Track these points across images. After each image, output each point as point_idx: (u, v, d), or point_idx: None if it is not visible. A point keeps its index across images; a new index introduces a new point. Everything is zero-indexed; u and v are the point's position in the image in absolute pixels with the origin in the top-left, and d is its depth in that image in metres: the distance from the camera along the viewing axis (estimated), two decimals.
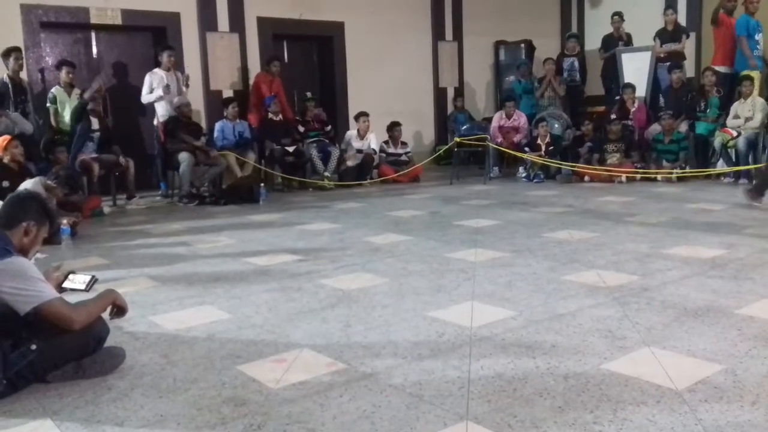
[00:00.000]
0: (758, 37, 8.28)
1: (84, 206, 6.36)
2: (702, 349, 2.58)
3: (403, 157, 9.23)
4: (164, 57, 7.94)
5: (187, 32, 8.53)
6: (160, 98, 7.83)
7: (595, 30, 11.30)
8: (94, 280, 2.71)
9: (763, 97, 7.89)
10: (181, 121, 7.81)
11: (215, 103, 8.64)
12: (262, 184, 7.60)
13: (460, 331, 2.89)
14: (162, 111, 7.90)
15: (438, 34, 10.79)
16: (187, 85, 8.08)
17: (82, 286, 2.68)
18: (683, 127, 8.19)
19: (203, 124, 8.53)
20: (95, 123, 7.19)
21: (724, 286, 3.42)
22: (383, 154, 9.17)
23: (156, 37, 8.55)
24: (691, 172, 7.74)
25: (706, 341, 2.66)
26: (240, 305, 3.42)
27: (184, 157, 7.48)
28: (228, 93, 8.80)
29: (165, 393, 2.37)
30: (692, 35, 10.10)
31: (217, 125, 8.18)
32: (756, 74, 8.15)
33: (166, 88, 7.83)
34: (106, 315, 2.62)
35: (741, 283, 3.46)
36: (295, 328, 3.03)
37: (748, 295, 3.25)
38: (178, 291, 3.75)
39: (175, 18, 8.43)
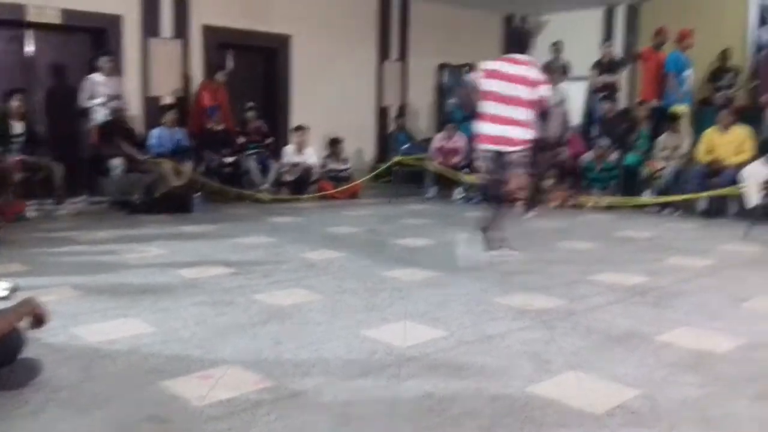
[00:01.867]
0: (687, 73, 8.68)
1: (5, 210, 6.10)
2: (623, 373, 2.66)
3: (343, 173, 9.24)
4: (103, 62, 7.73)
5: (128, 36, 8.33)
6: (100, 104, 7.62)
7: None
8: (14, 288, 2.60)
9: (691, 129, 8.26)
10: (117, 126, 7.60)
11: (154, 109, 8.45)
12: (197, 194, 7.46)
13: (391, 351, 2.90)
14: (100, 116, 7.69)
15: (383, 54, 10.90)
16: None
17: (2, 293, 2.57)
18: (614, 156, 8.49)
19: (139, 129, 8.33)
20: (19, 127, 6.92)
21: (645, 313, 3.55)
22: (323, 169, 9.16)
23: (95, 39, 8.32)
24: (619, 201, 8.02)
25: (626, 366, 2.75)
26: (167, 318, 3.34)
27: (117, 162, 7.28)
28: (168, 100, 8.63)
29: (83, 408, 2.28)
30: (626, 68, 10.54)
31: (155, 132, 8.00)
32: (684, 109, 8.54)
33: (109, 97, 7.64)
34: (24, 324, 2.51)
35: (661, 311, 3.60)
36: (224, 343, 2.97)
37: (667, 322, 3.38)
38: (102, 302, 3.63)
39: (116, 21, 8.23)
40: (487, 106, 4.58)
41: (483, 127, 4.66)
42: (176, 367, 2.68)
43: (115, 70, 7.94)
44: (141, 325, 3.24)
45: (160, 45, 8.53)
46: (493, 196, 4.80)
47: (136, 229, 6.14)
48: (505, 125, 4.51)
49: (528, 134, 4.55)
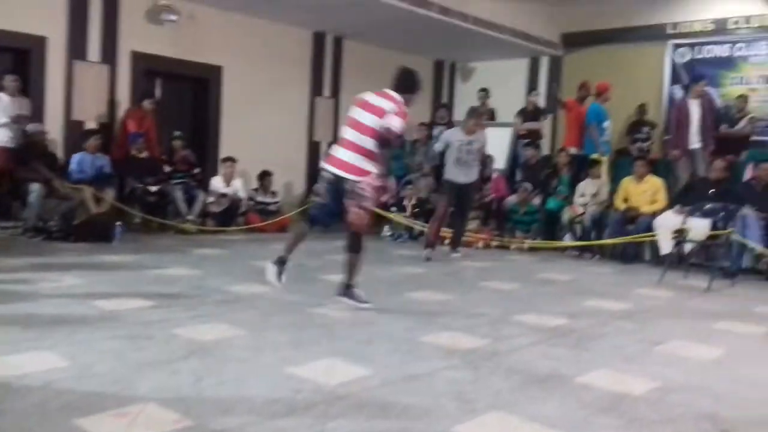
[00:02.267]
0: (606, 124, 9.13)
1: None
2: (544, 415, 2.70)
3: (272, 207, 9.17)
4: (7, 81, 7.43)
5: (52, 58, 8.08)
6: (2, 125, 7.30)
7: (464, 102, 11.98)
8: None
9: (609, 177, 8.66)
10: (35, 150, 7.31)
11: (76, 133, 8.18)
12: (118, 223, 7.22)
13: (317, 389, 2.86)
14: (3, 137, 7.35)
15: (316, 89, 10.97)
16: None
17: None
18: (537, 200, 8.78)
19: (60, 154, 8.03)
20: None
21: (565, 355, 3.64)
22: (251, 202, 9.07)
23: (18, 59, 8.04)
24: (541, 244, 8.28)
25: (548, 408, 2.80)
26: (82, 352, 3.19)
27: (35, 187, 6.98)
28: (91, 125, 8.38)
29: None
30: (549, 116, 11.01)
31: (75, 157, 7.73)
32: (604, 158, 8.95)
33: (14, 118, 7.33)
34: None
35: (580, 353, 3.70)
36: (142, 379, 2.86)
37: (586, 364, 3.47)
38: (12, 333, 3.43)
39: (41, 42, 7.99)
40: (343, 132, 4.52)
41: (332, 150, 4.60)
42: (91, 403, 2.55)
43: (21, 91, 7.64)
44: (54, 358, 3.08)
45: (86, 69, 8.32)
46: (318, 219, 4.63)
47: (52, 257, 5.88)
48: (349, 150, 4.38)
49: (370, 166, 4.36)
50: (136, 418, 2.43)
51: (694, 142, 8.29)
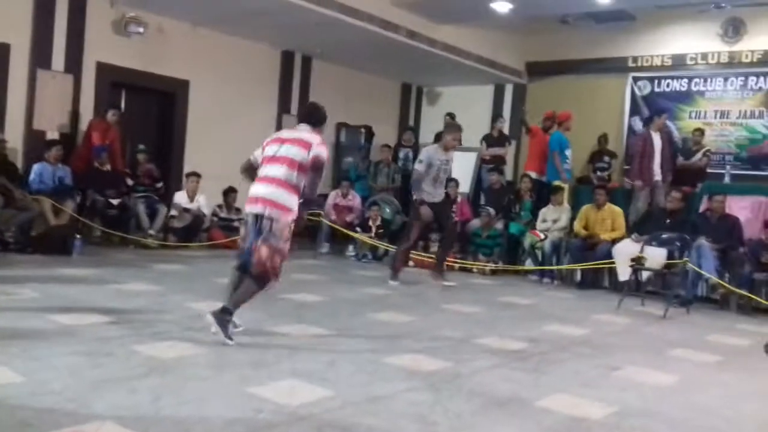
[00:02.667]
0: (568, 152, 9.33)
1: None
2: None
3: (236, 223, 9.08)
4: None
5: (15, 66, 7.94)
6: None
7: (430, 126, 12.13)
8: None
9: (570, 205, 8.83)
10: None
11: (37, 143, 8.03)
12: (78, 236, 7.08)
13: (278, 409, 2.85)
14: None
15: (284, 107, 10.97)
16: None
17: None
18: (499, 225, 8.89)
19: (20, 164, 7.87)
20: None
21: (525, 378, 3.69)
22: (215, 218, 8.98)
23: None
24: (502, 267, 8.37)
25: (507, 431, 2.83)
26: (38, 368, 3.12)
27: None
28: (53, 135, 8.23)
29: None
30: (513, 143, 11.21)
31: (36, 167, 7.58)
32: (565, 185, 9.13)
33: None
34: None
35: (540, 376, 3.76)
36: (99, 397, 2.80)
37: (546, 388, 3.52)
38: None
39: (4, 49, 7.85)
40: (262, 170, 4.22)
41: (250, 189, 4.27)
42: (46, 421, 2.50)
43: None
44: (9, 374, 3.00)
45: (50, 77, 8.19)
46: (249, 264, 4.17)
47: (7, 269, 5.74)
48: (267, 184, 4.10)
49: (291, 201, 4.09)
50: None
51: (657, 173, 8.51)
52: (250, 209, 4.18)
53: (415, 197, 7.02)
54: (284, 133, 4.42)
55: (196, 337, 3.95)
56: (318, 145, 4.16)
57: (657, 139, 8.58)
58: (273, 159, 4.17)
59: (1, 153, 7.34)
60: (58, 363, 3.23)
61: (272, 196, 4.07)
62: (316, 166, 4.14)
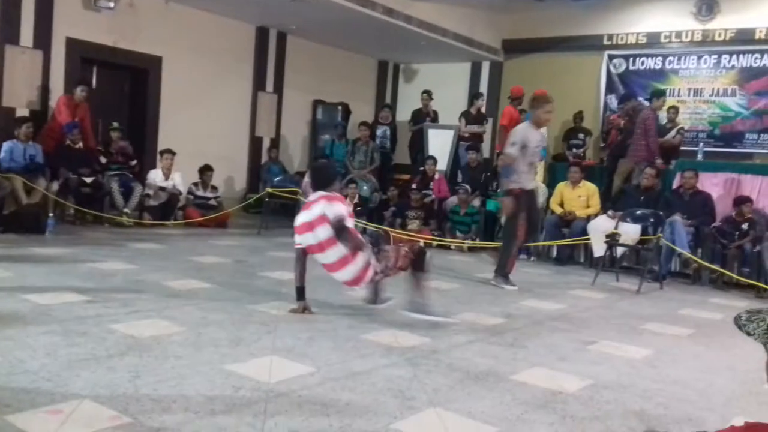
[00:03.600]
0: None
1: None
2: (481, 411, 2.77)
3: (212, 202, 9.02)
4: None
5: None
6: None
7: (407, 103, 12.11)
8: None
9: (545, 183, 8.88)
10: None
11: (6, 121, 7.87)
12: (51, 214, 6.98)
13: (257, 386, 2.85)
14: None
15: (259, 84, 10.87)
16: None
17: None
18: (477, 202, 8.93)
19: None
20: None
21: (502, 353, 3.73)
22: (191, 196, 8.90)
23: None
24: (480, 244, 8.42)
25: (484, 404, 2.87)
26: (12, 348, 3.08)
27: None
28: (23, 112, 8.07)
29: None
30: (490, 121, 11.22)
31: (5, 145, 7.43)
32: (540, 163, 9.16)
33: None
34: None
35: (517, 351, 3.80)
36: (76, 376, 2.78)
37: (522, 362, 3.57)
38: None
39: None
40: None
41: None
42: (22, 400, 2.47)
43: None
44: None
45: (18, 53, 8.00)
46: None
47: None
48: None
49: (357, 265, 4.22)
50: (70, 415, 2.37)
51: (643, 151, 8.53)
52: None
53: (505, 186, 6.01)
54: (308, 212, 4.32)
55: (174, 315, 3.93)
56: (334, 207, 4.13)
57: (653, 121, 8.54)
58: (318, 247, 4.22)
59: None
60: (33, 343, 3.19)
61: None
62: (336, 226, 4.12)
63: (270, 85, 11.04)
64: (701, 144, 9.64)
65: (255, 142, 10.96)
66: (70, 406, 2.46)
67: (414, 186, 9.16)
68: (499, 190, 6.08)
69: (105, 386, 2.69)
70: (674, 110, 9.71)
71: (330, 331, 3.90)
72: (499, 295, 5.56)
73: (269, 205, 9.17)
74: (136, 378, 2.82)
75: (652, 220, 6.78)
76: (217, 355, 3.25)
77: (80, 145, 7.99)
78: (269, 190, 9.01)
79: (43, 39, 8.21)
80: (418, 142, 10.65)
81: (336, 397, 2.80)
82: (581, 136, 10.57)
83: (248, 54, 10.72)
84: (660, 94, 8.86)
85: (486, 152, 10.96)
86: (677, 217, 7.00)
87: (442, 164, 10.06)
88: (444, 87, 11.69)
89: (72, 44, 8.53)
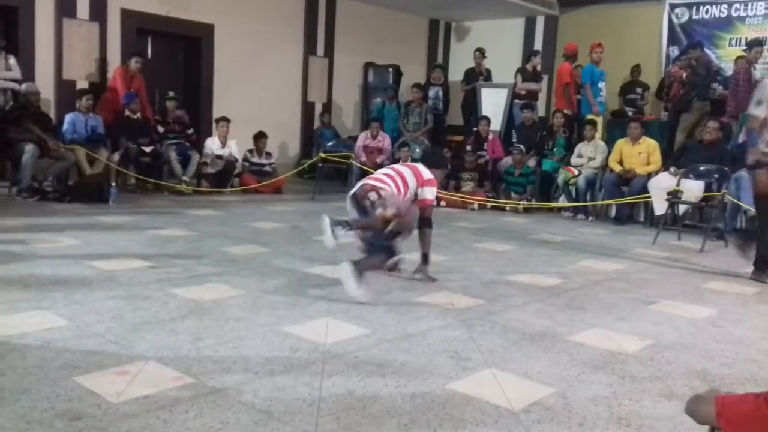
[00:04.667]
0: (601, 84, 9.07)
1: None
2: (537, 372, 2.75)
3: (267, 168, 9.13)
4: None
5: (41, 15, 7.96)
6: None
7: (459, 62, 11.87)
8: None
9: (604, 140, 8.63)
10: (27, 110, 7.23)
11: (67, 93, 8.10)
12: (113, 184, 7.20)
13: (313, 348, 2.89)
14: None
15: (310, 48, 10.84)
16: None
17: None
18: (532, 162, 8.76)
19: (53, 114, 7.95)
20: None
21: (559, 314, 3.68)
22: (246, 163, 9.03)
23: (6, 17, 7.90)
24: (536, 205, 8.29)
25: (541, 365, 2.84)
26: (80, 312, 3.21)
27: (28, 148, 6.92)
28: (83, 84, 8.28)
29: None
30: (545, 78, 10.91)
31: (68, 117, 7.65)
32: (599, 119, 8.91)
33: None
34: None
35: (573, 312, 3.75)
36: (141, 339, 2.88)
37: (580, 323, 3.52)
38: (10, 293, 3.45)
39: (29, 0, 7.84)
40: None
41: None
42: (90, 362, 2.58)
43: (5, 48, 7.53)
44: (53, 318, 3.10)
45: (76, 26, 8.19)
46: None
47: (47, 218, 5.87)
48: None
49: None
50: (135, 376, 2.45)
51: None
52: None
53: (753, 156, 4.79)
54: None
55: (232, 279, 4.02)
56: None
57: (756, 74, 8.12)
58: None
59: (35, 104, 7.42)
60: (99, 307, 3.31)
61: None
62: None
63: (321, 49, 11.01)
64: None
65: (307, 108, 10.99)
66: (136, 367, 2.54)
67: (468, 147, 9.04)
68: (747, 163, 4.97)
69: (168, 348, 2.78)
70: (742, 60, 9.19)
71: (385, 293, 3.91)
72: (554, 256, 5.47)
73: (323, 170, 9.22)
74: (197, 340, 2.90)
75: (716, 175, 6.52)
76: (274, 317, 3.31)
77: (138, 115, 8.17)
78: (322, 155, 9.04)
79: (98, 11, 8.37)
80: (471, 102, 10.46)
81: (391, 358, 2.82)
82: (639, 90, 10.17)
83: (298, 18, 10.68)
84: (757, 44, 8.35)
85: (541, 110, 10.69)
86: (743, 173, 6.70)
87: (496, 124, 9.87)
88: (497, 44, 11.40)
89: (127, 15, 8.67)
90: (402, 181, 4.22)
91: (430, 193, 4.28)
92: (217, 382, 2.45)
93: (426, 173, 4.30)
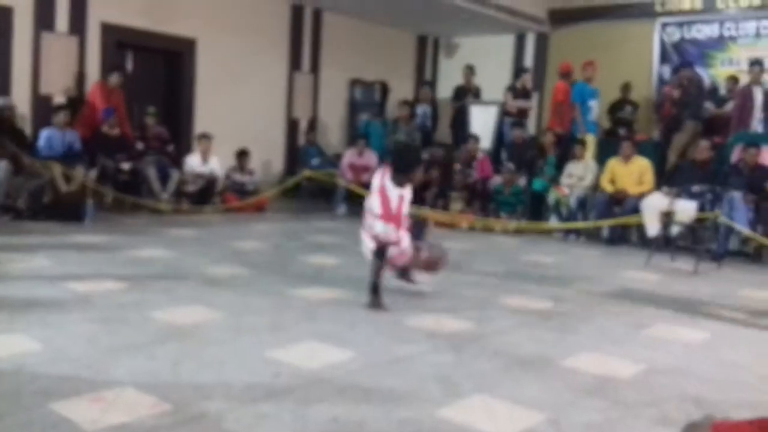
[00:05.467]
0: (592, 103, 9.06)
1: None
2: (529, 397, 2.67)
3: (249, 186, 9.00)
4: None
5: (19, 28, 7.82)
6: None
7: (448, 79, 11.85)
8: None
9: (596, 159, 8.59)
10: (2, 125, 7.06)
11: (44, 108, 7.94)
12: (89, 202, 7.02)
13: (297, 373, 2.80)
14: None
15: (294, 65, 10.78)
16: None
17: None
18: (522, 181, 8.70)
19: (28, 130, 7.79)
20: None
21: (550, 337, 3.60)
22: (228, 181, 8.89)
23: None
24: (526, 226, 8.17)
25: (533, 390, 2.76)
26: (55, 335, 3.08)
27: (2, 164, 6.72)
28: (60, 99, 8.14)
29: None
30: (536, 96, 10.89)
31: (44, 133, 7.45)
32: (590, 138, 8.88)
33: None
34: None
35: (566, 335, 3.67)
36: (118, 363, 2.78)
37: (572, 347, 3.44)
38: None
39: (7, 12, 7.71)
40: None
41: None
42: (66, 388, 2.48)
43: None
44: (27, 342, 2.98)
45: (54, 40, 8.06)
46: None
47: (20, 237, 5.72)
48: None
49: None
50: (112, 403, 2.37)
51: (758, 128, 8.18)
52: None
53: None
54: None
55: (213, 301, 3.89)
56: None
57: (759, 94, 8.14)
58: None
59: (10, 119, 7.25)
60: (75, 330, 3.20)
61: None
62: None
63: (306, 65, 10.95)
64: (762, 115, 9.18)
65: (291, 124, 10.90)
66: (112, 393, 2.45)
67: (458, 166, 8.95)
68: None
69: (146, 373, 2.68)
70: (734, 80, 9.25)
71: (371, 316, 3.82)
72: (546, 278, 5.38)
73: (307, 188, 9.11)
74: (176, 365, 2.80)
75: (709, 196, 6.49)
76: (257, 341, 3.21)
77: (117, 131, 8.01)
78: (307, 173, 8.93)
79: (78, 24, 8.25)
80: (461, 120, 10.42)
81: (378, 383, 2.74)
82: (629, 108, 10.18)
83: (283, 33, 10.62)
84: (756, 64, 8.40)
85: (531, 129, 10.66)
86: (736, 193, 6.68)
87: (486, 142, 9.84)
88: (487, 61, 11.38)
89: (107, 29, 8.55)
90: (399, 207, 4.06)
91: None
92: (197, 409, 2.36)
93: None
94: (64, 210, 6.78)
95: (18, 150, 6.99)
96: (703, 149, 7.20)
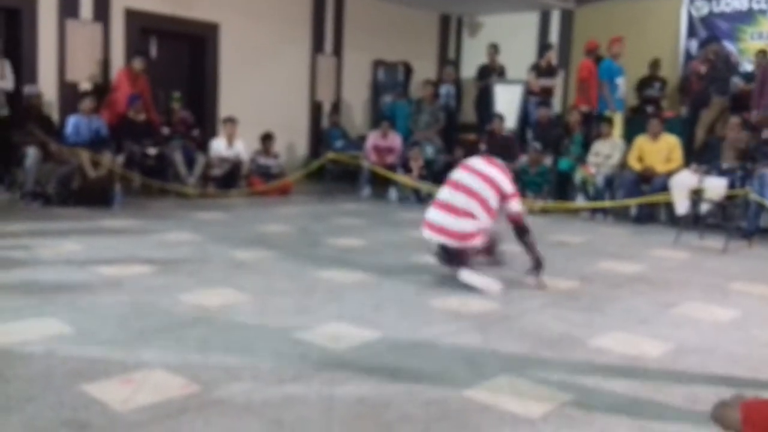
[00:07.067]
0: (619, 80, 8.90)
1: None
2: (556, 378, 2.65)
3: (274, 169, 9.04)
4: None
5: (44, 17, 7.90)
6: None
7: (472, 58, 11.73)
8: None
9: (624, 137, 8.45)
10: (30, 113, 7.16)
11: (70, 95, 8.03)
12: (117, 187, 7.12)
13: (324, 354, 2.81)
14: None
15: (317, 47, 10.75)
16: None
17: None
18: (548, 161, 8.59)
19: (55, 117, 7.89)
20: None
21: (577, 317, 3.57)
22: (253, 164, 8.93)
23: (9, 19, 7.86)
24: (553, 205, 8.08)
25: (559, 370, 2.75)
26: (85, 318, 3.13)
27: (31, 151, 6.86)
28: (86, 86, 8.22)
29: None
30: (562, 74, 10.72)
31: (71, 120, 7.55)
32: (617, 116, 8.74)
33: None
34: None
35: (593, 315, 3.63)
36: (147, 346, 2.81)
37: (599, 326, 3.40)
38: (13, 300, 3.38)
39: (31, 0, 7.79)
40: (441, 192, 4.29)
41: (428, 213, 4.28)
42: (96, 370, 2.52)
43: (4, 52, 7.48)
44: (57, 325, 3.03)
45: (79, 27, 8.13)
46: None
47: (50, 223, 5.80)
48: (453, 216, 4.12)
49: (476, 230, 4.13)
50: (141, 384, 2.40)
51: None
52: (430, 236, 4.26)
53: None
54: (479, 164, 4.34)
55: (240, 284, 3.93)
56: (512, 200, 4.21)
57: None
58: (458, 187, 4.21)
59: (38, 107, 7.35)
60: (104, 313, 3.24)
61: (451, 225, 4.13)
62: (515, 223, 4.28)
63: (329, 48, 10.91)
64: None
65: (315, 107, 10.90)
66: (142, 374, 2.49)
67: (482, 145, 8.88)
68: None
69: (174, 355, 2.71)
70: (763, 54, 9.00)
71: (396, 297, 3.82)
72: (573, 258, 5.33)
73: (332, 171, 9.12)
74: (204, 347, 2.83)
75: (739, 173, 6.35)
76: (284, 323, 3.23)
77: (142, 117, 8.09)
78: (331, 156, 8.93)
79: (102, 11, 8.30)
80: (485, 100, 10.32)
81: (405, 364, 2.74)
82: (657, 85, 9.99)
83: (305, 16, 10.58)
84: None
85: (557, 107, 10.52)
86: (767, 170, 6.53)
87: (510, 121, 9.73)
88: (511, 40, 11.22)
89: (131, 15, 8.60)
90: (482, 203, 4.13)
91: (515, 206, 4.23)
92: (225, 391, 2.38)
93: (505, 185, 4.20)
94: (93, 195, 6.87)
95: (46, 137, 7.10)
96: (733, 126, 7.03)
